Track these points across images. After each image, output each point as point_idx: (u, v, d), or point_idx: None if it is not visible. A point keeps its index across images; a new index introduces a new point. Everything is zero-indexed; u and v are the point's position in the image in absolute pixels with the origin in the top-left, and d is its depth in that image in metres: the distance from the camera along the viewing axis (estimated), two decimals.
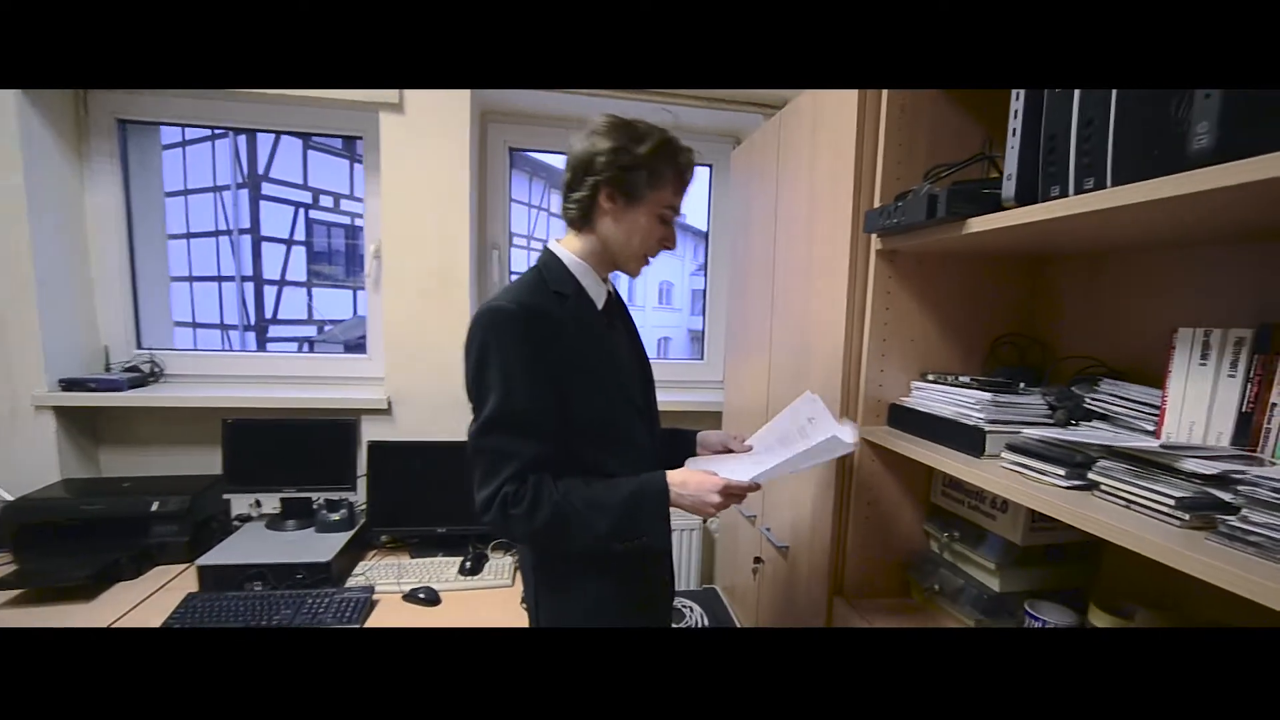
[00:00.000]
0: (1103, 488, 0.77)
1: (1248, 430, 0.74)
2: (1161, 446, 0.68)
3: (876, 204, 1.16)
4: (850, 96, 1.17)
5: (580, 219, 1.02)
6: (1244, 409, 0.74)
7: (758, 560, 1.68)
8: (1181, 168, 0.63)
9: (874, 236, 1.16)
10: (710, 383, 2.35)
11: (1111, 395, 0.94)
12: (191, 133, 2.62)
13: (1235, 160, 0.58)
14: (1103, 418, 0.95)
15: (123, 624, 1.34)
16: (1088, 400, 0.97)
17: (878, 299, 1.18)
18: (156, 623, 1.32)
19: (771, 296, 1.61)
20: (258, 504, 1.85)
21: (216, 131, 2.39)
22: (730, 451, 1.20)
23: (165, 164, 2.29)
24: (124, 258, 2.05)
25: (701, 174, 2.36)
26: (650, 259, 1.06)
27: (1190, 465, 0.67)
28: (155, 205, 2.14)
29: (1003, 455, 0.92)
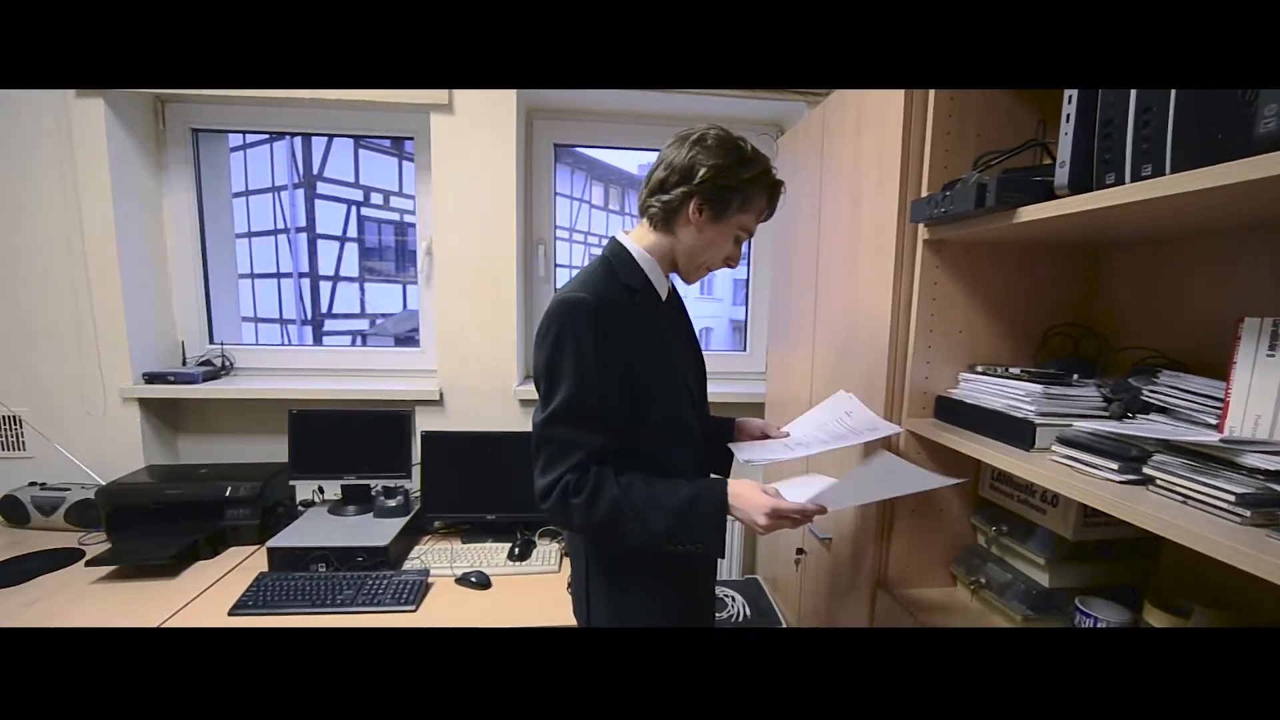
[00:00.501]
0: (1158, 483, 0.75)
1: None
2: (1222, 441, 0.66)
3: (924, 193, 1.14)
4: None
5: (662, 219, 1.04)
6: None
7: (800, 551, 1.68)
8: (1248, 152, 0.60)
9: (920, 226, 1.15)
10: (752, 374, 2.35)
11: (1171, 387, 0.91)
12: (251, 136, 2.76)
13: None
14: (1162, 410, 0.92)
15: (204, 600, 1.44)
16: (1145, 392, 0.94)
17: (924, 289, 1.16)
18: (233, 599, 1.42)
19: (815, 288, 1.60)
20: (320, 490, 1.96)
21: (274, 134, 2.51)
22: (768, 438, 1.21)
23: (231, 167, 2.43)
24: (197, 257, 2.18)
25: None
26: (712, 271, 1.08)
27: (1253, 460, 0.65)
28: (224, 206, 2.28)
29: (1053, 449, 0.90)
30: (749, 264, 2.41)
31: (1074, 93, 0.82)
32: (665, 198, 1.01)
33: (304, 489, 1.96)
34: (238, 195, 2.57)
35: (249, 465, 1.95)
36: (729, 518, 0.98)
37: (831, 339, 1.50)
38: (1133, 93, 0.74)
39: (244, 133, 2.29)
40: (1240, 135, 0.66)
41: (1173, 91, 0.69)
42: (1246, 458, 0.65)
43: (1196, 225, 0.88)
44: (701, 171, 0.98)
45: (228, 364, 2.19)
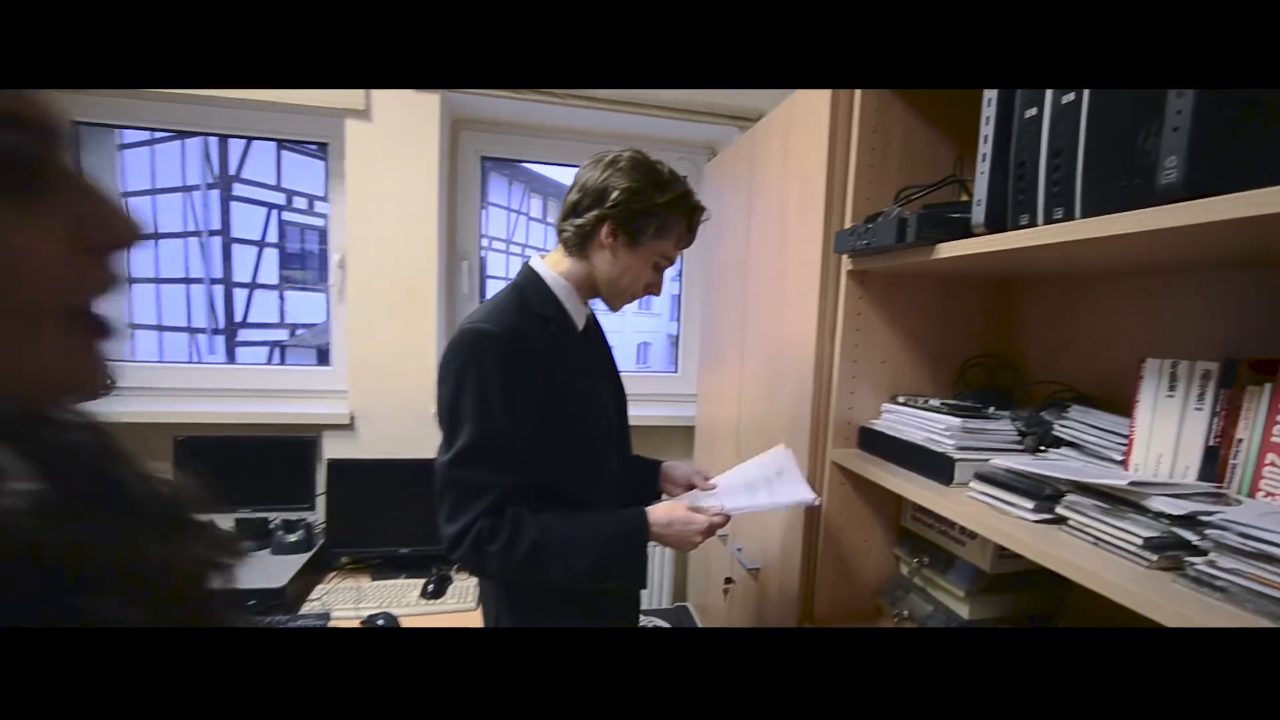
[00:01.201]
0: (1071, 523, 0.75)
1: (1215, 464, 0.73)
2: (1130, 484, 0.66)
3: (848, 223, 1.14)
4: (821, 113, 1.15)
5: (576, 244, 0.99)
6: (1210, 443, 0.73)
7: (729, 581, 1.65)
8: (1150, 200, 0.61)
9: (844, 257, 1.15)
10: (684, 396, 2.32)
11: (1080, 422, 0.93)
12: (161, 131, 2.54)
13: (1203, 195, 0.56)
14: (1072, 445, 0.94)
15: None
16: (1057, 426, 0.96)
17: (849, 320, 1.16)
18: None
19: (744, 314, 1.59)
20: None
21: (175, 132, 2.31)
22: (694, 488, 1.18)
23: (128, 163, 2.22)
24: None
25: None
26: (634, 300, 1.03)
27: (1158, 504, 0.65)
28: None
29: (972, 484, 0.90)
30: (680, 280, 2.39)
31: (989, 132, 0.83)
32: (578, 221, 0.97)
33: None
34: (140, 194, 2.35)
35: None
36: (654, 546, 0.98)
37: (759, 365, 1.49)
38: (1044, 135, 0.74)
39: (139, 129, 2.09)
40: (1144, 183, 0.67)
41: (1081, 136, 0.70)
42: (1152, 501, 0.66)
43: (1105, 265, 0.91)
44: (614, 194, 0.94)
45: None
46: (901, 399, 1.16)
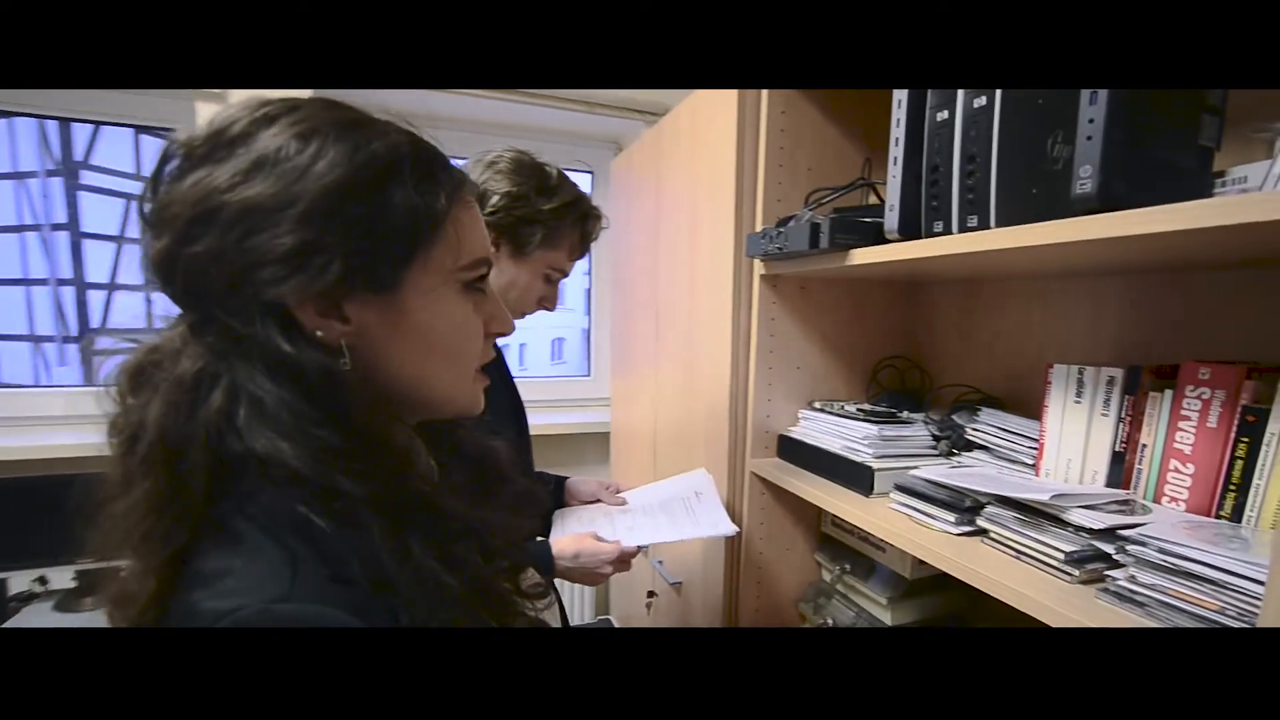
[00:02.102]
0: (992, 535, 0.74)
1: (1121, 469, 0.74)
2: (1052, 498, 0.65)
3: (759, 225, 1.10)
4: (729, 112, 1.10)
5: None
6: (1117, 448, 0.74)
7: (651, 594, 1.59)
8: (1063, 209, 0.60)
9: (756, 261, 1.10)
10: (597, 400, 2.24)
11: (991, 426, 0.93)
12: None
13: (1116, 204, 0.55)
14: (984, 449, 0.94)
15: None
16: (969, 430, 0.96)
17: (762, 325, 1.12)
18: None
19: (656, 316, 1.53)
20: (43, 580, 1.51)
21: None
22: (600, 502, 1.10)
23: None
24: None
25: (582, 180, 2.24)
26: (526, 315, 0.93)
27: (1078, 518, 0.64)
28: None
29: (892, 495, 0.88)
30: (590, 274, 2.30)
31: (901, 135, 0.80)
32: None
33: (19, 580, 1.50)
34: None
35: None
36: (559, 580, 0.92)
37: (674, 371, 1.43)
38: (956, 143, 0.72)
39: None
40: (1057, 192, 0.66)
41: (994, 143, 0.68)
42: (1072, 514, 0.65)
43: (1012, 268, 0.91)
44: (494, 200, 0.85)
45: None
46: (818, 404, 1.14)
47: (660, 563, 1.51)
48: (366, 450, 0.41)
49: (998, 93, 0.67)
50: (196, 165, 0.40)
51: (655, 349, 1.54)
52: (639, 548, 0.96)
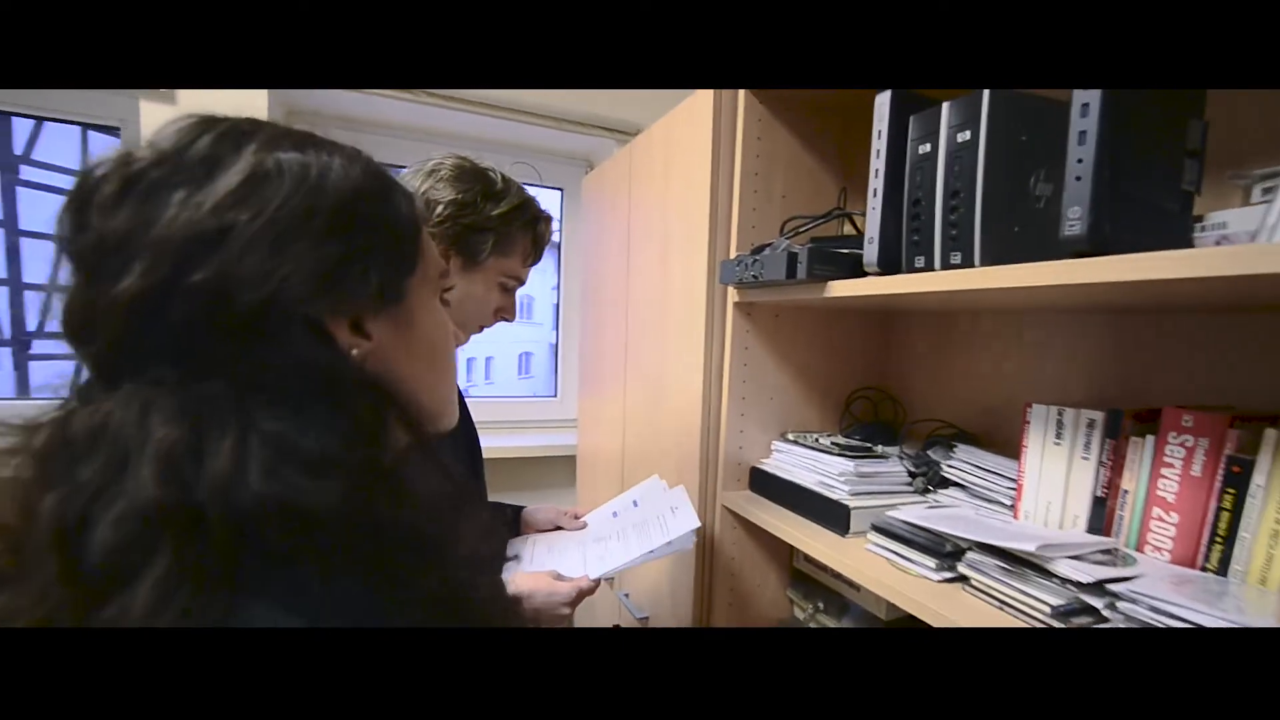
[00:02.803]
0: (974, 583, 0.71)
1: (1102, 514, 0.72)
2: (1039, 548, 0.63)
3: (733, 251, 1.07)
4: (703, 135, 1.07)
5: None
6: (1098, 493, 0.72)
7: (617, 627, 1.53)
8: (1047, 248, 0.58)
9: (730, 288, 1.07)
10: (564, 422, 2.18)
11: (968, 463, 0.91)
12: None
13: (1104, 247, 0.53)
14: (960, 486, 0.92)
15: None
16: (945, 467, 0.94)
17: (735, 354, 1.08)
18: None
19: (625, 339, 1.48)
20: None
21: None
22: (560, 530, 1.05)
23: None
24: None
25: (551, 197, 2.19)
26: (484, 328, 0.88)
27: (1065, 569, 0.62)
28: None
29: (869, 536, 0.85)
30: (558, 287, 2.24)
31: (881, 165, 0.78)
32: None
33: None
34: None
35: None
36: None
37: (642, 396, 1.39)
38: (939, 176, 0.70)
39: None
40: (1041, 230, 0.64)
41: (979, 177, 0.66)
42: (1059, 565, 0.62)
43: (989, 304, 0.90)
44: (439, 209, 0.80)
45: None
46: (791, 436, 1.11)
47: (627, 595, 1.46)
48: (405, 467, 0.39)
49: (982, 127, 0.65)
50: (161, 189, 0.34)
51: (624, 371, 1.50)
52: (598, 581, 0.90)
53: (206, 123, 0.37)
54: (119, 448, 0.32)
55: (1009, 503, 0.83)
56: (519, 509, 1.12)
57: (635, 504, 1.09)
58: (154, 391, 0.33)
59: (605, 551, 0.98)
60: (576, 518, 1.11)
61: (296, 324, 0.36)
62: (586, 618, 1.82)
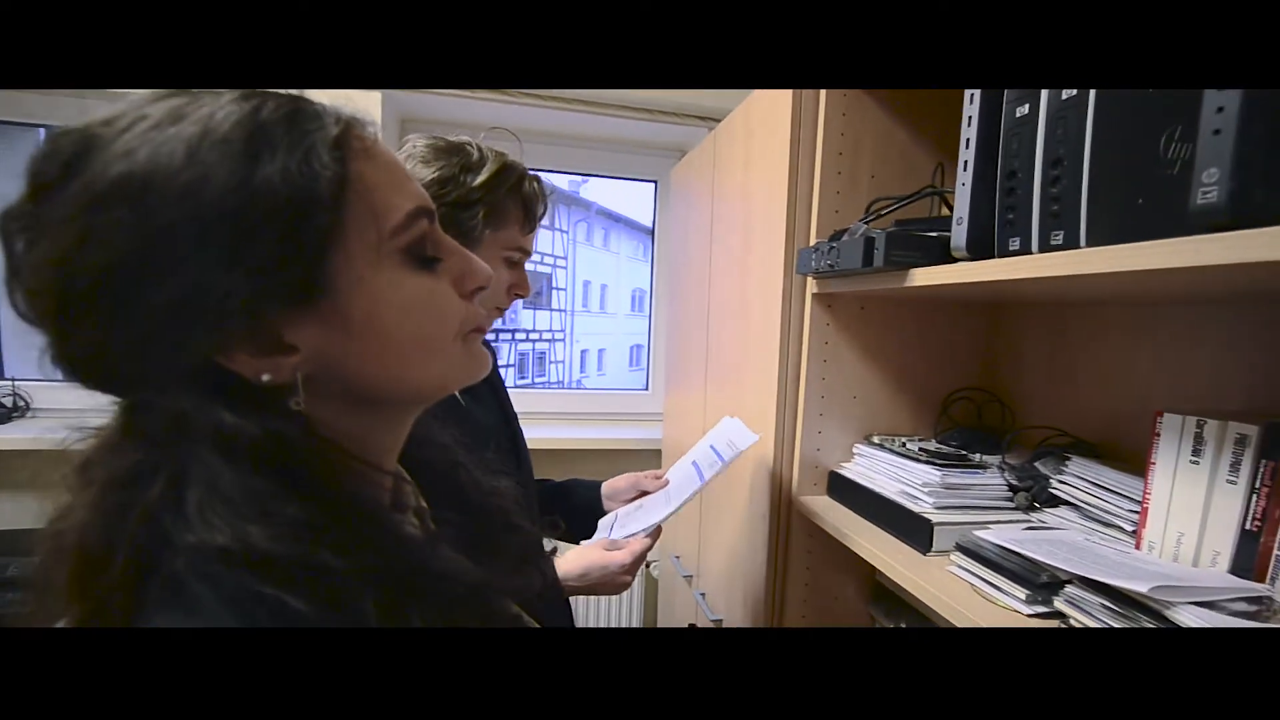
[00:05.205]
0: (1072, 622, 0.60)
1: (1253, 553, 0.58)
2: (1152, 589, 0.52)
3: (813, 238, 0.99)
4: (782, 115, 1.00)
5: None
6: (1248, 526, 0.58)
7: (692, 627, 1.50)
8: (1180, 224, 0.47)
9: (809, 278, 1.00)
10: (654, 415, 2.17)
11: (1082, 479, 0.78)
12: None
13: (1252, 219, 0.42)
14: (1072, 505, 0.79)
15: None
16: (1054, 482, 0.81)
17: (814, 349, 1.01)
18: None
19: (707, 334, 1.44)
20: None
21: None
22: (645, 494, 1.02)
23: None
24: None
25: (644, 190, 2.18)
26: (502, 309, 0.87)
27: (1186, 619, 0.50)
28: None
29: (953, 556, 0.75)
30: (650, 277, 2.22)
31: (972, 135, 0.68)
32: None
33: None
34: None
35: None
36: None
37: (722, 395, 1.34)
38: (1039, 143, 0.60)
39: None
40: (1170, 202, 0.52)
41: (1087, 141, 0.55)
42: (1180, 613, 0.51)
43: (1115, 294, 0.76)
44: None
45: (21, 404, 1.80)
46: (876, 439, 1.01)
47: (703, 595, 1.42)
48: (345, 517, 0.35)
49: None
50: (35, 232, 0.32)
51: (705, 365, 1.45)
52: (656, 533, 0.90)
53: (51, 142, 0.33)
54: (94, 475, 0.35)
55: (1131, 529, 0.70)
56: (598, 484, 1.09)
57: (719, 456, 1.03)
58: (124, 424, 0.36)
59: (667, 499, 0.96)
60: (658, 478, 1.06)
61: (186, 370, 0.33)
62: (668, 600, 1.80)
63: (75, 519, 0.34)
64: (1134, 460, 0.75)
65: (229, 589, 0.32)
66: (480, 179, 0.78)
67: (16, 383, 1.82)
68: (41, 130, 1.87)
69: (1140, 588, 0.52)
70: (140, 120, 0.33)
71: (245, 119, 0.33)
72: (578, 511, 1.03)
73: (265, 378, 0.35)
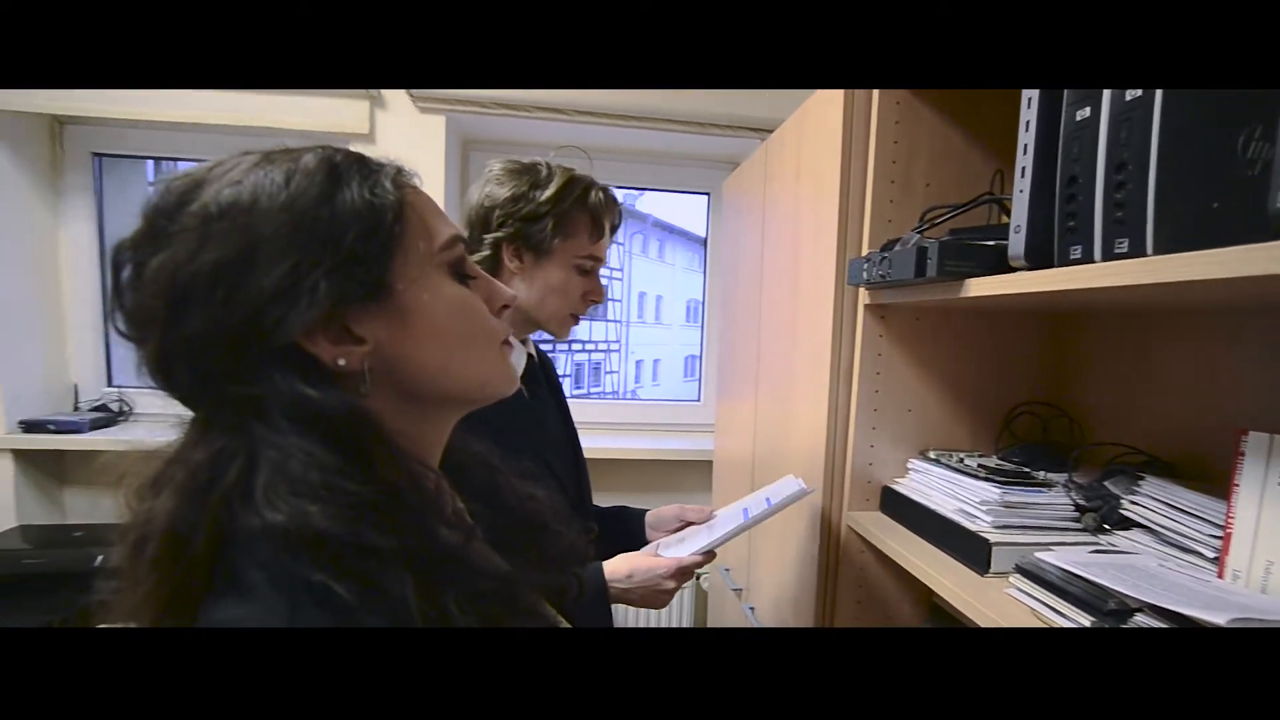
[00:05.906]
0: None
1: None
2: (1230, 621, 0.48)
3: (865, 248, 0.97)
4: (833, 122, 0.99)
5: None
6: None
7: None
8: (1259, 230, 0.44)
9: (861, 289, 0.98)
10: (706, 426, 2.16)
11: (1157, 500, 0.73)
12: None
13: None
14: (1145, 529, 0.74)
15: None
16: (1125, 503, 0.77)
17: (866, 361, 0.99)
18: None
19: (758, 345, 1.43)
20: None
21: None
22: (689, 525, 1.02)
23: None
24: (96, 293, 1.98)
25: (698, 203, 2.19)
26: (579, 316, 0.90)
27: None
28: None
29: (1012, 579, 0.72)
30: (704, 288, 2.22)
31: (1030, 140, 0.66)
32: (477, 257, 0.87)
33: None
34: None
35: None
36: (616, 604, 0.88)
37: (772, 408, 1.32)
38: (1101, 146, 0.57)
39: (159, 160, 2.10)
40: (1246, 205, 0.49)
41: (1154, 144, 0.52)
42: None
43: (1189, 304, 0.72)
44: (498, 212, 0.84)
45: (126, 409, 1.97)
46: (932, 454, 0.98)
47: (752, 609, 1.40)
48: (393, 499, 0.40)
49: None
50: (148, 254, 0.39)
51: (756, 376, 1.44)
52: (706, 555, 0.89)
53: (172, 179, 0.41)
54: (172, 475, 0.40)
55: (1212, 556, 0.65)
56: (642, 512, 1.08)
57: (768, 501, 1.02)
58: (202, 429, 0.41)
59: (716, 523, 0.96)
60: (707, 515, 1.06)
61: (274, 353, 0.39)
62: (719, 612, 1.79)
63: (162, 505, 0.39)
64: (1216, 481, 0.70)
65: (281, 576, 0.36)
66: (547, 194, 0.84)
67: (122, 390, 2.00)
68: (149, 164, 2.06)
69: (1218, 619, 0.49)
70: (240, 163, 0.41)
71: (325, 161, 0.42)
72: (619, 537, 1.04)
73: (341, 362, 0.41)
